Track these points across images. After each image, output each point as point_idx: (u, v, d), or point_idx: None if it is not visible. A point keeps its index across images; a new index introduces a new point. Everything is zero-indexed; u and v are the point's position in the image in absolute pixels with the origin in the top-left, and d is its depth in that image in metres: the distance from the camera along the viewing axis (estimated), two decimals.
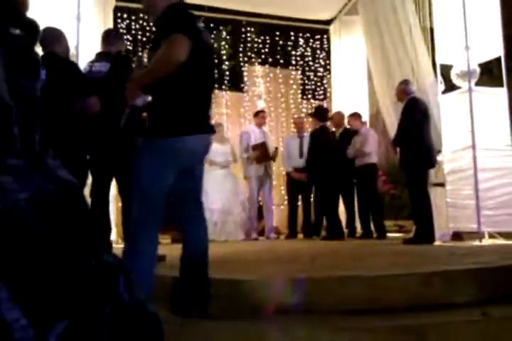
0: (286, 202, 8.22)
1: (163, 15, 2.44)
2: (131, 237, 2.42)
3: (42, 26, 3.64)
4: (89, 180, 4.01)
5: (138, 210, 2.37)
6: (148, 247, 2.40)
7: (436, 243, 5.23)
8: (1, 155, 1.29)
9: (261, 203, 7.71)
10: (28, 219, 1.23)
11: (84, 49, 5.34)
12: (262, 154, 7.37)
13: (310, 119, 7.58)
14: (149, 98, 2.29)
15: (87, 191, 4.33)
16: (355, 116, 7.27)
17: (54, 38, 3.61)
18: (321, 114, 6.97)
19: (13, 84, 1.37)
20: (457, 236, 5.60)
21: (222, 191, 7.10)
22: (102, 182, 3.90)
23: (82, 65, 4.14)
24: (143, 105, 2.28)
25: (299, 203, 7.67)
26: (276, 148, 7.70)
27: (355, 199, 7.03)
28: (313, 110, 7.55)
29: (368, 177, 6.77)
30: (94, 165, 3.85)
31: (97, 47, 4.70)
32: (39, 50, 3.78)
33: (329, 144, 6.71)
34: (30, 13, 4.31)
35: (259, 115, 7.77)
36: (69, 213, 1.33)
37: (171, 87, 2.38)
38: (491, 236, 5.46)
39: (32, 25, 1.54)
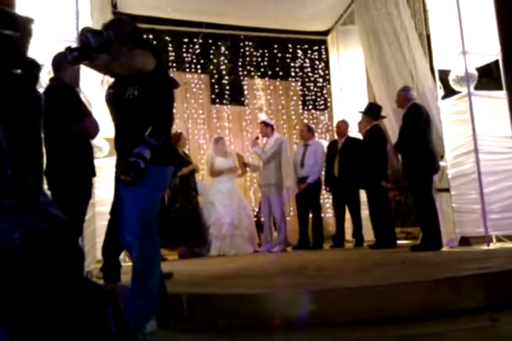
0: (292, 214, 8.13)
1: None
2: (139, 258, 2.49)
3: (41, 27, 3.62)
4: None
5: (141, 233, 2.44)
6: (156, 266, 2.54)
7: (444, 249, 5.19)
8: None
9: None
10: (23, 257, 1.32)
11: None
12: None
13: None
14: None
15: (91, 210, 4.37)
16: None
17: (59, 64, 3.64)
18: (374, 111, 6.30)
19: (14, 124, 1.44)
20: (465, 241, 5.56)
21: (230, 205, 7.07)
22: None
23: None
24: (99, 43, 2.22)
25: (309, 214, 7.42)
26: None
27: (360, 207, 6.97)
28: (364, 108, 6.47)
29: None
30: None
31: None
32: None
33: (385, 145, 6.13)
34: (28, 13, 4.24)
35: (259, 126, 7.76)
36: (60, 249, 1.42)
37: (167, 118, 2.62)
38: (499, 239, 5.41)
39: (33, 64, 1.59)
